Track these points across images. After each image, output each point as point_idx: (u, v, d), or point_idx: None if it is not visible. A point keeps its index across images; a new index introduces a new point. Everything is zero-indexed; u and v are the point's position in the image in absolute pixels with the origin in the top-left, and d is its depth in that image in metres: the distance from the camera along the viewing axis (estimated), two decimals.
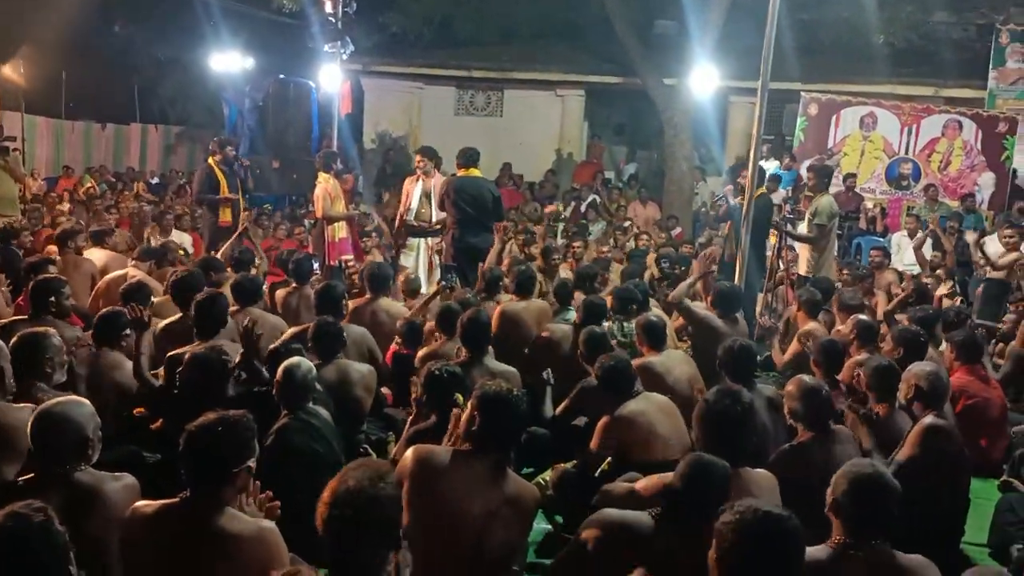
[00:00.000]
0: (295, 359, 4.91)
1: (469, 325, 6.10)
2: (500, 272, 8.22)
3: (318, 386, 5.02)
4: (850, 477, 3.51)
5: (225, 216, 11.17)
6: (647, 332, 6.51)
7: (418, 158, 11.01)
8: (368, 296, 7.71)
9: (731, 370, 5.68)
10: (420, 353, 6.51)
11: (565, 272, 10.18)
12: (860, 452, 4.95)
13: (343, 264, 10.70)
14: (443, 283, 8.01)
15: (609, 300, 7.42)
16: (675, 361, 6.42)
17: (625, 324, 7.11)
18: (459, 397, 4.61)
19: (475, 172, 10.10)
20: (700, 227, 16.70)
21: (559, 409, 6.09)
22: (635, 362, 5.81)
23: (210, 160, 11.49)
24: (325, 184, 10.72)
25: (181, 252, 10.38)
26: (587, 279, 8.65)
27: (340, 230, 10.85)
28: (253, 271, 8.43)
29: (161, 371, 5.56)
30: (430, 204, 10.67)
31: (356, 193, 16.22)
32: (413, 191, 10.83)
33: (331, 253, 10.72)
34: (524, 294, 7.74)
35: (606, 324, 6.92)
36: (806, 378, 5.09)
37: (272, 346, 5.71)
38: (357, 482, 2.90)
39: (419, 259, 10.77)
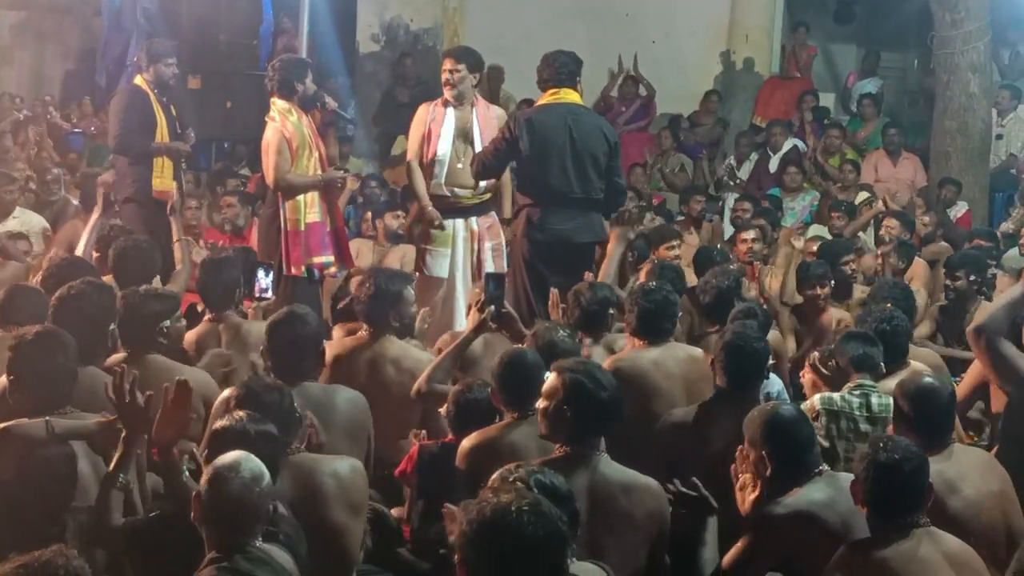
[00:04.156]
0: (231, 457, 3.58)
1: (576, 397, 3.94)
2: (613, 294, 5.73)
3: (281, 508, 3.67)
4: None
5: (163, 179, 7.52)
6: (920, 407, 4.25)
7: (448, 64, 7.05)
8: (365, 332, 5.43)
9: None
10: (466, 443, 4.47)
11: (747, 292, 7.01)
12: None
13: (314, 272, 6.94)
14: (489, 307, 5.39)
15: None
16: (967, 468, 4.26)
17: (873, 394, 4.99)
18: None
19: (571, 95, 6.62)
20: (1003, 202, 11.20)
21: (730, 562, 3.93)
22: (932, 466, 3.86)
23: (139, 80, 7.81)
24: (283, 121, 6.73)
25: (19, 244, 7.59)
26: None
27: (309, 209, 6.89)
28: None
29: None
30: (470, 154, 6.95)
31: (343, 138, 11.50)
32: (439, 128, 7.00)
33: (292, 252, 6.81)
34: (658, 334, 5.24)
35: (835, 395, 5.05)
36: None
37: (216, 425, 3.91)
38: None
39: (457, 259, 7.04)
